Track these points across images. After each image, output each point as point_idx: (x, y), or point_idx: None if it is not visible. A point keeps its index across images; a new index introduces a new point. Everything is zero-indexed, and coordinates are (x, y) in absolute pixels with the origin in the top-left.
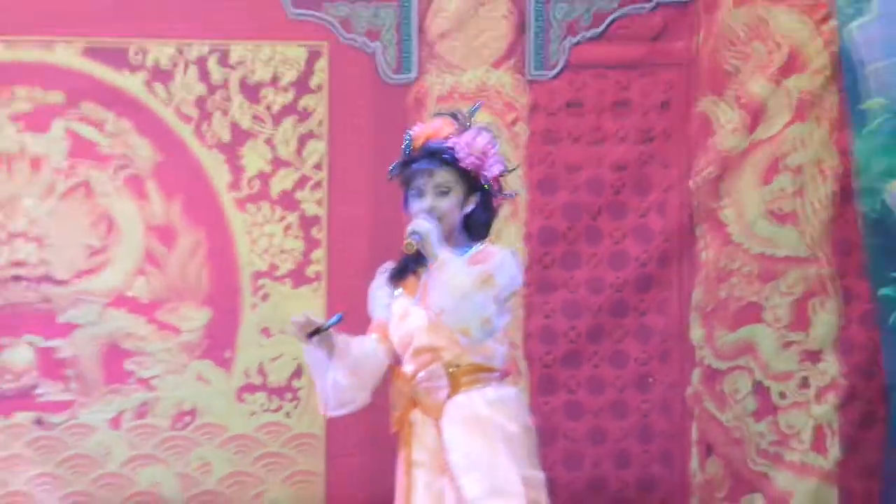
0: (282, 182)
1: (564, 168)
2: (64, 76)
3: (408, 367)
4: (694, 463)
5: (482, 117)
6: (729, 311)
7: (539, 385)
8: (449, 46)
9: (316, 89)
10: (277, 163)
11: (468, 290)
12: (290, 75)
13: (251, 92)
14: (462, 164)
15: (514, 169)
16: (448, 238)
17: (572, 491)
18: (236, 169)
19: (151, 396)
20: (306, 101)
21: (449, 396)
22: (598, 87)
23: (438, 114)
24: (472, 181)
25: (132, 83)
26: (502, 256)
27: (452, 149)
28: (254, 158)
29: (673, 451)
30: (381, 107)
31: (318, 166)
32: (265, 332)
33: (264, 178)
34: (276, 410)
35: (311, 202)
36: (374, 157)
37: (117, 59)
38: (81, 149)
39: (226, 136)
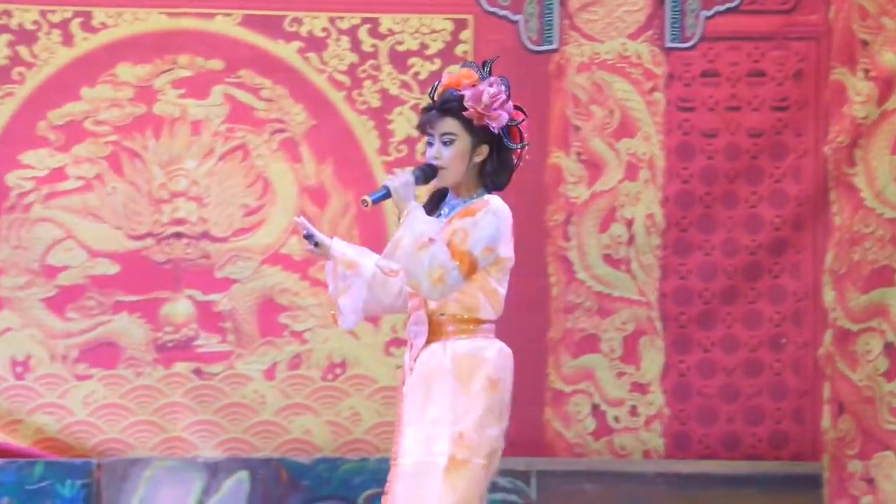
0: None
1: (700, 135)
2: (223, 45)
3: (410, 304)
4: (826, 421)
5: (620, 86)
6: (861, 274)
7: (674, 344)
8: (589, 18)
9: (461, 58)
10: None
11: (410, 250)
12: (436, 45)
13: (399, 60)
14: (465, 114)
15: (521, 121)
16: (459, 188)
17: (706, 444)
18: (385, 133)
19: (304, 349)
20: (452, 70)
21: (427, 343)
22: (733, 58)
23: (466, 63)
24: (480, 131)
25: (287, 51)
26: (484, 213)
27: (459, 99)
28: (401, 124)
29: (805, 408)
30: (522, 76)
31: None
32: None
33: (411, 143)
34: None
35: None
36: None
37: (273, 28)
38: (239, 113)
39: (375, 102)
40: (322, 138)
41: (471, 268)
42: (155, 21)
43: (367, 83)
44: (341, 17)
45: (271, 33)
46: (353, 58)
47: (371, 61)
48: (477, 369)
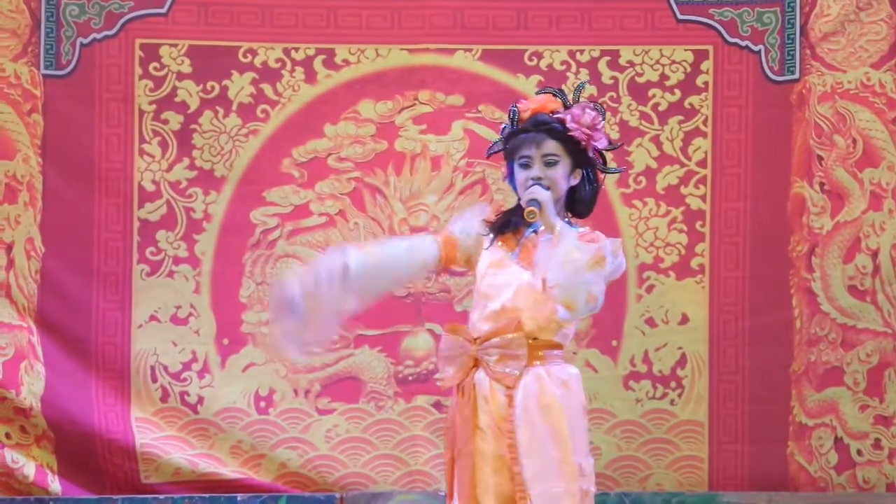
0: (667, 178)
1: None
2: (463, 80)
3: (482, 325)
4: None
5: (863, 115)
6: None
7: None
8: (830, 47)
9: (702, 88)
10: (663, 159)
11: (582, 265)
12: (676, 76)
13: (639, 92)
14: (571, 135)
15: (619, 145)
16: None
17: None
18: (624, 165)
19: None
20: (692, 100)
21: (525, 367)
22: None
23: (542, 91)
24: (578, 154)
25: (527, 86)
26: (613, 242)
27: (561, 121)
28: (641, 155)
29: None
30: (763, 106)
31: (702, 163)
32: (650, 322)
33: (650, 174)
34: (661, 398)
35: (696, 197)
36: (755, 154)
37: (513, 63)
38: (479, 148)
39: (614, 134)
40: None
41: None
42: (396, 57)
43: (607, 115)
44: (581, 50)
45: (511, 68)
46: (592, 90)
47: (610, 93)
48: (574, 396)
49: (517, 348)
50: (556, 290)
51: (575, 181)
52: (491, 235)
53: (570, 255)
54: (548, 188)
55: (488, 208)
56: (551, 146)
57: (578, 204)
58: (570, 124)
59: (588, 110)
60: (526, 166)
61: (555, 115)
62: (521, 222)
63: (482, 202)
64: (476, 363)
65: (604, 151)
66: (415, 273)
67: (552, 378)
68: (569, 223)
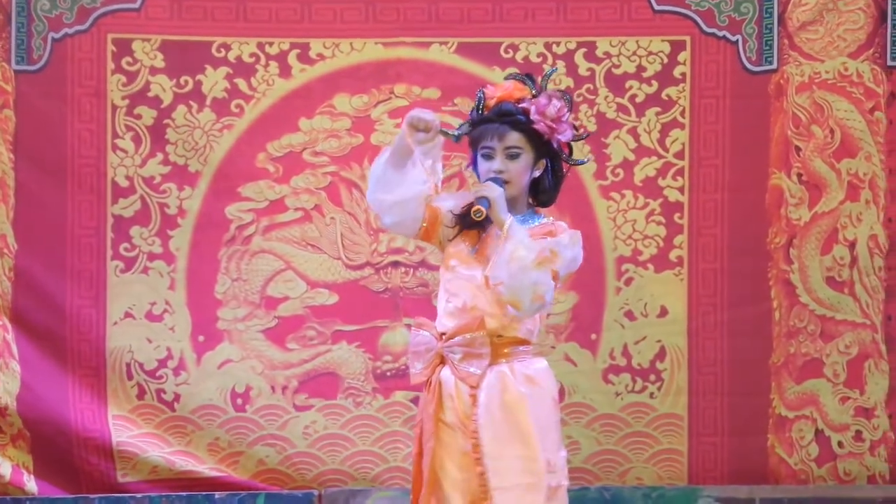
0: (644, 170)
1: None
2: (439, 73)
3: (447, 321)
4: None
5: (841, 105)
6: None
7: None
8: (808, 37)
9: (679, 79)
10: (641, 151)
11: (527, 264)
12: (653, 67)
13: (616, 84)
14: (534, 128)
15: (586, 136)
16: (514, 202)
17: None
18: (601, 157)
19: None
20: (669, 92)
21: (488, 366)
22: None
23: (511, 76)
24: (542, 146)
25: (502, 78)
26: (570, 235)
27: (525, 111)
28: (618, 147)
29: None
30: (741, 96)
31: (679, 154)
32: (629, 315)
33: (628, 166)
34: (641, 391)
35: (674, 189)
36: (733, 145)
37: (489, 55)
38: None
39: (591, 126)
40: None
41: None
42: (371, 51)
43: (584, 107)
44: (557, 42)
45: (487, 60)
46: (568, 82)
47: (587, 85)
48: (544, 391)
49: (480, 347)
50: (501, 288)
51: (538, 172)
52: (456, 228)
53: (515, 253)
54: (507, 182)
55: (468, 196)
56: (514, 138)
57: (542, 194)
58: (533, 116)
59: (554, 100)
60: (488, 157)
61: (520, 105)
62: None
63: (466, 190)
64: (442, 360)
65: (571, 142)
66: (404, 192)
67: (516, 375)
68: (533, 213)
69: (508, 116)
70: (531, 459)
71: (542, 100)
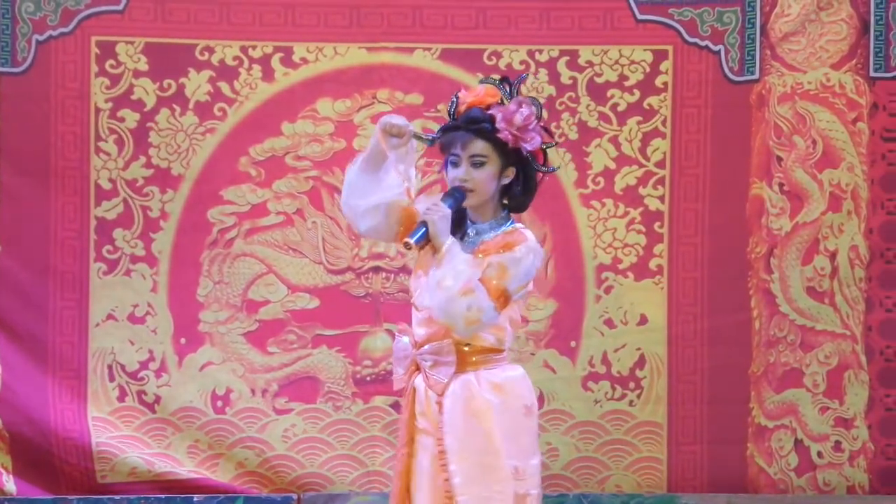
0: (625, 178)
1: None
2: (422, 79)
3: (419, 329)
4: None
5: (823, 116)
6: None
7: (879, 378)
8: (791, 48)
9: (661, 88)
10: (622, 160)
11: (453, 294)
12: (636, 76)
13: (598, 92)
14: (499, 136)
15: (553, 144)
16: (480, 209)
17: None
18: (583, 165)
19: None
20: (651, 101)
21: (455, 374)
22: None
23: (485, 80)
24: (509, 153)
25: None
26: (525, 248)
27: (491, 119)
28: (599, 156)
29: None
30: (723, 106)
31: (660, 163)
32: (608, 322)
33: (609, 174)
34: (620, 399)
35: (654, 198)
36: (714, 154)
37: (472, 62)
38: (437, 148)
39: (573, 134)
40: None
41: (505, 304)
42: (354, 56)
43: (566, 115)
44: (540, 50)
45: (470, 67)
46: (550, 90)
47: (569, 93)
48: (515, 399)
49: (447, 355)
50: (433, 311)
51: (507, 180)
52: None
53: (443, 282)
54: (471, 190)
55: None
56: (479, 146)
57: (512, 201)
58: (499, 124)
59: (524, 107)
60: (454, 164)
61: (488, 112)
62: (453, 226)
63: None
64: (418, 367)
65: (545, 148)
66: (379, 198)
67: (482, 383)
68: (504, 219)
69: (474, 124)
70: (497, 468)
71: (512, 107)
